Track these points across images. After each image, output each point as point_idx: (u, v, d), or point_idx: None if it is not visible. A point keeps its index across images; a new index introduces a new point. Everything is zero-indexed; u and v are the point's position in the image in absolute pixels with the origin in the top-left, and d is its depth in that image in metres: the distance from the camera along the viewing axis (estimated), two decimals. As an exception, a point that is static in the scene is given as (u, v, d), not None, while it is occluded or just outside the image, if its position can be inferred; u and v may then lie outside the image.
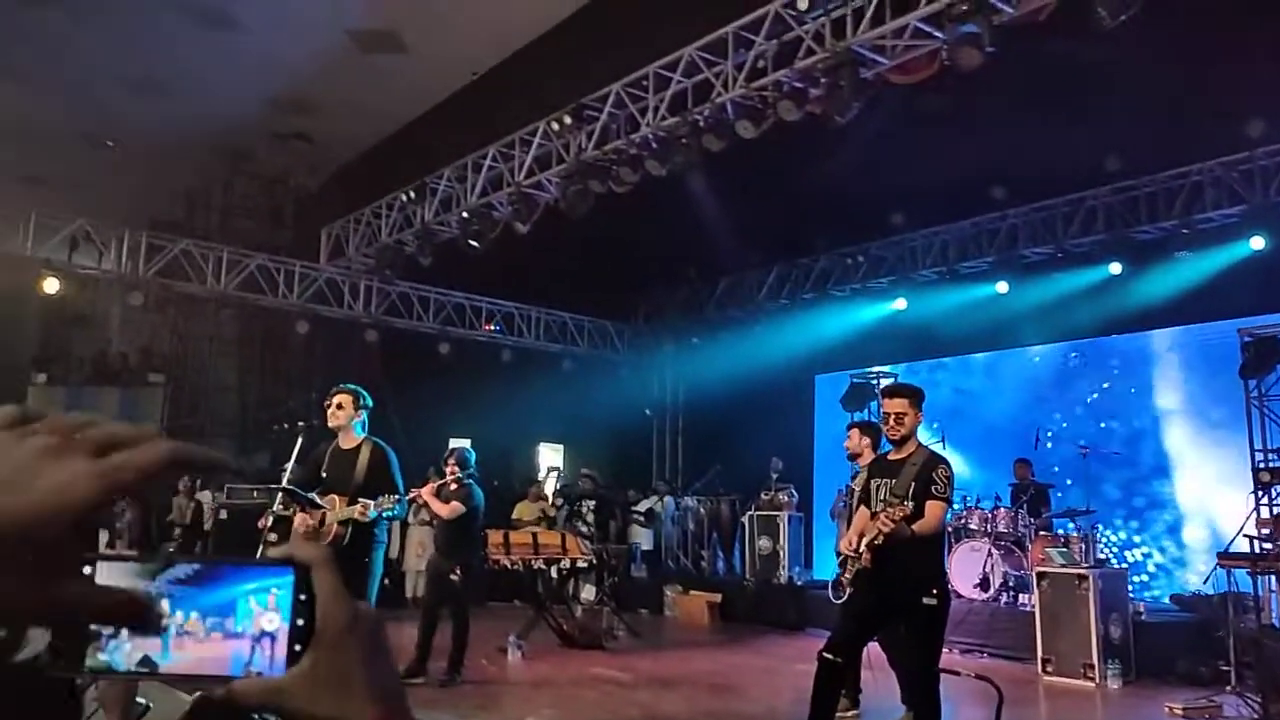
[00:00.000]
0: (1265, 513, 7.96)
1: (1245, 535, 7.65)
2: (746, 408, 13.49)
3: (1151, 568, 11.10)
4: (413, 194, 11.42)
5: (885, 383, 12.20)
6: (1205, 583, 8.68)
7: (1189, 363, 11.04)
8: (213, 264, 12.51)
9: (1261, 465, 8.19)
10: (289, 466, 6.42)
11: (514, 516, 11.58)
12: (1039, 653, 8.30)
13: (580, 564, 9.88)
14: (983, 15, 6.90)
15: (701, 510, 13.54)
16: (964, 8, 6.91)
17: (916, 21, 7.26)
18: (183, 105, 12.60)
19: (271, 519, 6.23)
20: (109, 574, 0.70)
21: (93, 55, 11.45)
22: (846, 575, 5.20)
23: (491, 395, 13.54)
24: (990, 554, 9.58)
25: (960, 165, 9.55)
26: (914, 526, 4.68)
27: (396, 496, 5.73)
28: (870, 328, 13.41)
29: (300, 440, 6.24)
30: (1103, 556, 10.16)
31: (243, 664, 0.70)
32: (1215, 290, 10.18)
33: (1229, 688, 7.16)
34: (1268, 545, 7.43)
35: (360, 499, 5.73)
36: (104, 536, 11.65)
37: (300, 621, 0.70)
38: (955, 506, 8.70)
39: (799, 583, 11.62)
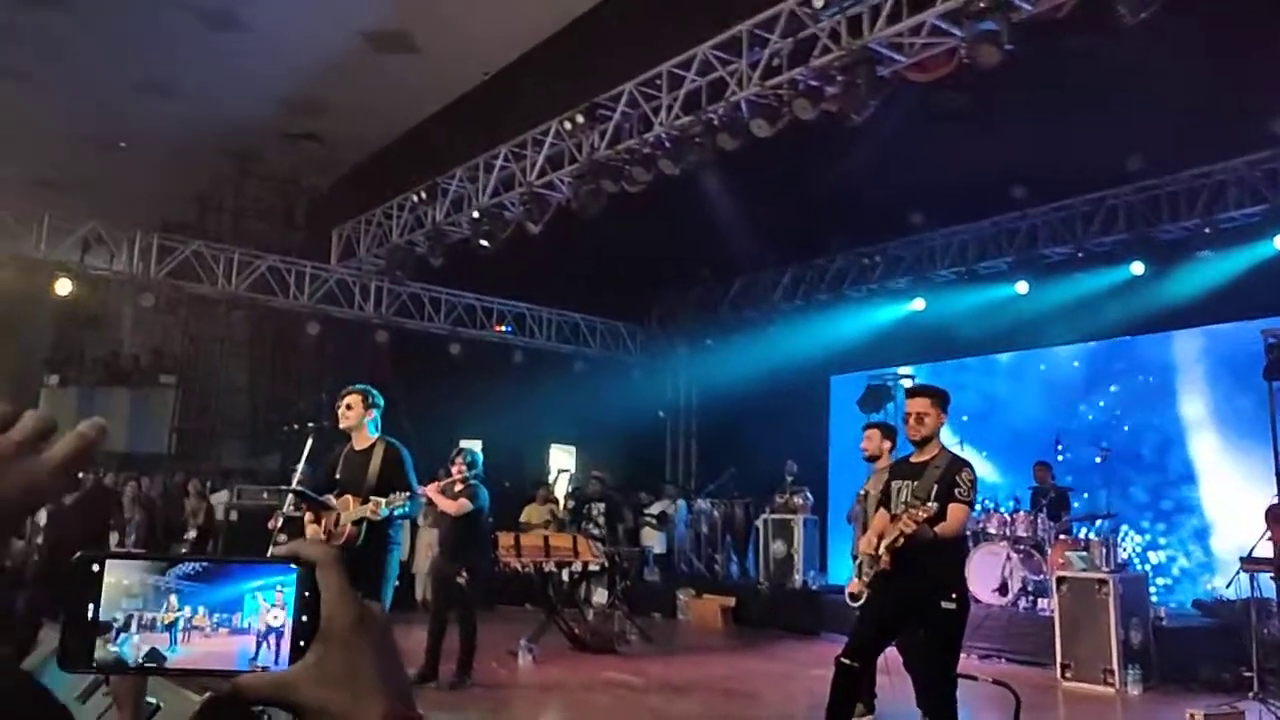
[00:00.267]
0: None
1: (1269, 539, 7.52)
2: (761, 410, 13.38)
3: (1176, 571, 10.94)
4: (424, 194, 11.39)
5: (906, 384, 12.11)
6: (1228, 587, 8.54)
7: (1212, 364, 10.89)
8: (224, 265, 12.52)
9: (1285, 469, 8.06)
10: (299, 468, 6.39)
11: (522, 519, 11.51)
12: (1058, 658, 8.19)
13: (592, 567, 9.82)
14: (1001, 12, 6.80)
15: (715, 513, 13.44)
16: (982, 4, 6.80)
17: (934, 19, 7.16)
18: (194, 107, 12.62)
19: (281, 520, 6.22)
20: (118, 572, 0.73)
21: (104, 58, 11.48)
22: (865, 576, 5.13)
23: (503, 397, 13.49)
24: (1009, 558, 9.47)
25: (979, 164, 9.46)
26: (935, 529, 4.59)
27: (407, 495, 5.66)
28: (887, 329, 13.29)
29: (310, 441, 6.21)
30: (1124, 559, 10.01)
31: (249, 659, 0.72)
32: (1239, 291, 10.05)
33: (1252, 694, 7.03)
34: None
35: (372, 498, 5.68)
36: (114, 538, 11.65)
37: (304, 618, 0.72)
38: (974, 511, 8.59)
39: (814, 587, 11.50)
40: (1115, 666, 7.81)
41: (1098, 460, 10.26)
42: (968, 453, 9.20)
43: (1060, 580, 8.39)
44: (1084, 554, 8.71)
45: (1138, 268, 10.85)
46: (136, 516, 11.50)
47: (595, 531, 11.45)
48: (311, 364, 15.00)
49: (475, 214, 10.81)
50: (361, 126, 13.13)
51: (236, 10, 10.59)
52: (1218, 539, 10.55)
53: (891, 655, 5.78)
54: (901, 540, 4.64)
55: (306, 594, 0.73)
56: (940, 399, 4.97)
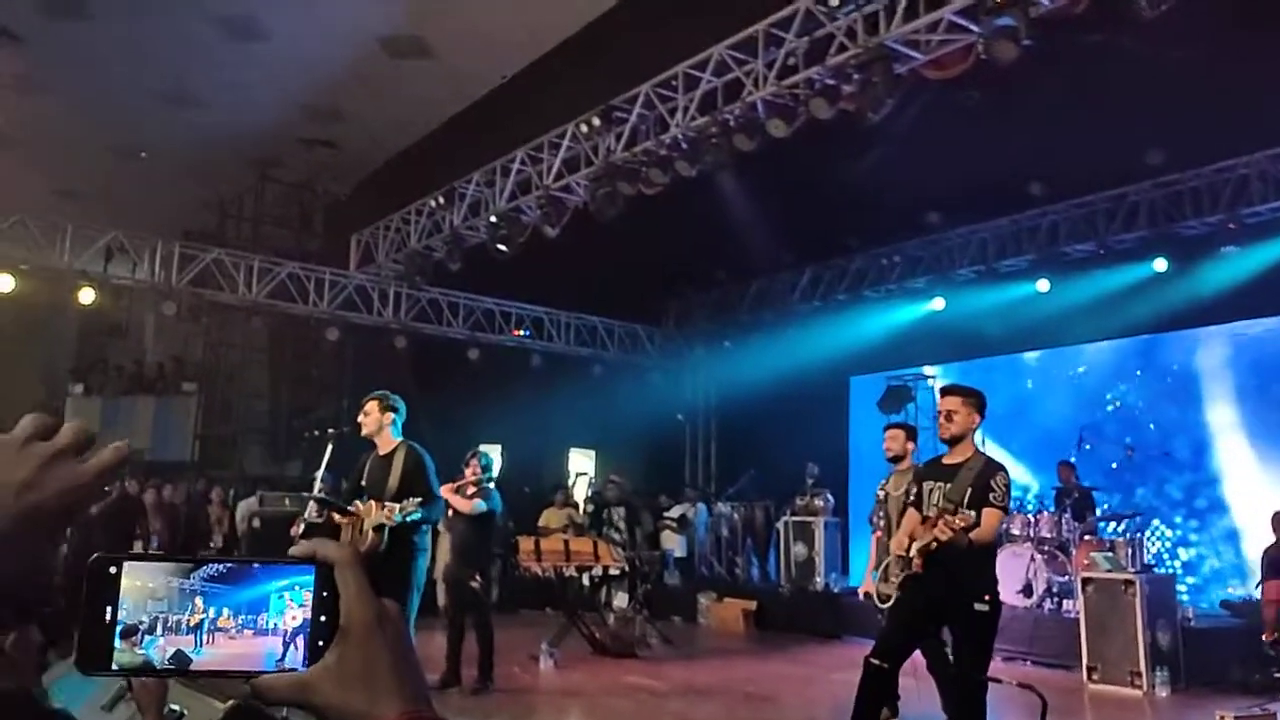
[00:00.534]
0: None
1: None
2: (780, 411, 13.31)
3: (1207, 570, 10.80)
4: (441, 199, 11.41)
5: (932, 384, 12.05)
6: (1256, 587, 8.42)
7: (1238, 361, 10.75)
8: (244, 273, 12.59)
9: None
10: (320, 474, 6.41)
11: (540, 523, 11.52)
12: (1084, 660, 8.11)
13: (612, 571, 9.80)
14: (1019, 8, 6.74)
15: (735, 516, 13.39)
16: (999, 0, 6.75)
17: (951, 15, 7.12)
18: (213, 116, 12.71)
19: (304, 527, 6.24)
20: (141, 575, 0.73)
21: (125, 68, 11.57)
22: (894, 578, 5.10)
23: (522, 401, 13.49)
24: (1033, 559, 9.40)
25: (998, 161, 9.38)
26: (971, 535, 4.56)
27: (419, 500, 5.66)
28: (907, 329, 13.20)
29: (330, 447, 6.23)
30: (1151, 560, 9.90)
31: (275, 660, 0.73)
32: (1264, 286, 9.92)
33: (1284, 696, 6.92)
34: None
35: (388, 505, 5.70)
36: (138, 547, 11.73)
37: (323, 618, 0.73)
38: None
39: (835, 589, 11.44)
40: (1143, 668, 7.73)
41: (1126, 455, 10.16)
42: (992, 451, 9.12)
43: (1086, 581, 8.31)
44: (1109, 554, 8.60)
45: (1160, 264, 10.73)
46: (158, 524, 11.58)
47: (615, 536, 11.43)
48: (331, 370, 15.08)
49: (492, 218, 10.82)
50: (379, 132, 13.18)
51: (256, 19, 10.66)
52: (1248, 540, 10.41)
53: (917, 657, 5.75)
54: (935, 545, 4.62)
55: (325, 594, 0.73)
56: (972, 399, 4.92)
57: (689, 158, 8.89)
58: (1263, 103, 8.47)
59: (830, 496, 12.04)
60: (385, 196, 13.10)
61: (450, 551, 7.61)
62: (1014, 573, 9.32)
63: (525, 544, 9.53)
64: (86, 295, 11.73)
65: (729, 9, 8.64)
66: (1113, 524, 9.87)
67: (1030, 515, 9.89)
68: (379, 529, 5.65)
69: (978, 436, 5.09)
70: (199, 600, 0.73)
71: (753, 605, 11.64)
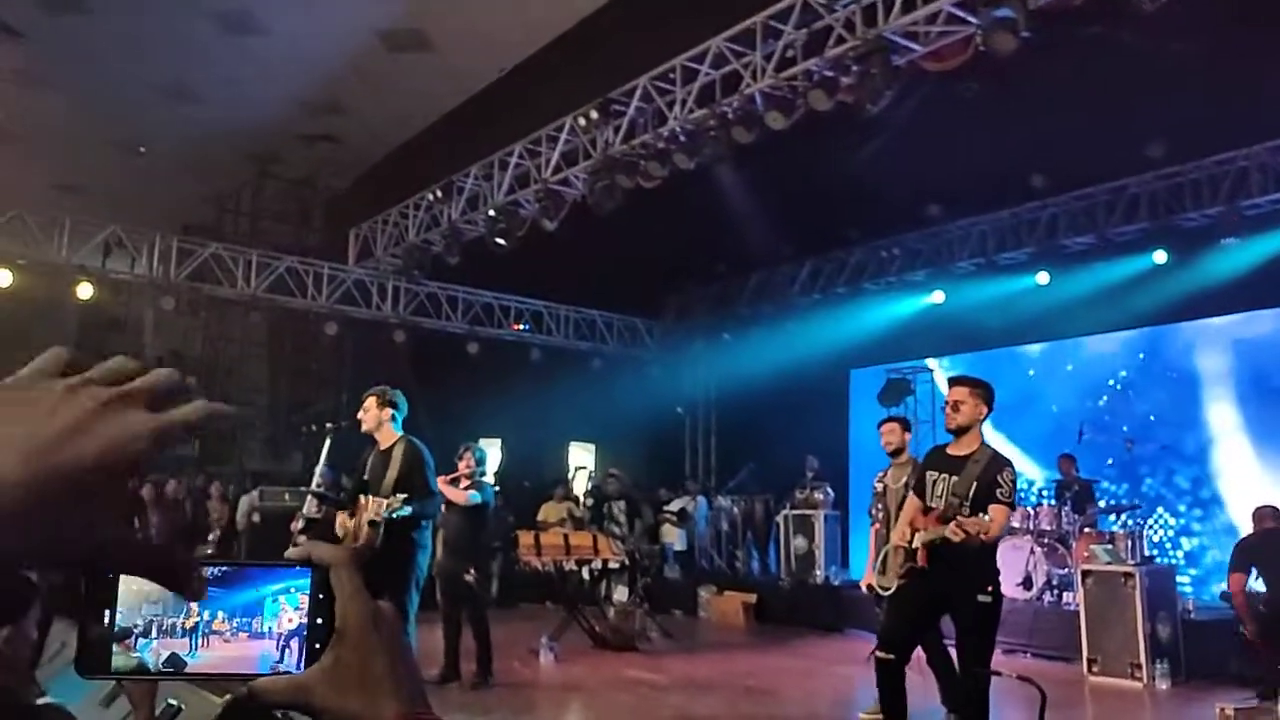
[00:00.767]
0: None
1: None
2: (780, 405, 13.30)
3: (1209, 561, 10.80)
4: (439, 193, 11.40)
5: (938, 376, 12.04)
6: (1257, 579, 8.42)
7: (1238, 353, 10.74)
8: (243, 267, 12.58)
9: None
10: (319, 469, 6.42)
11: (539, 517, 11.52)
12: (1084, 652, 8.12)
13: (612, 565, 9.81)
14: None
15: (735, 509, 13.38)
16: (998, -9, 6.73)
17: (949, 6, 7.11)
18: (212, 110, 12.71)
19: (303, 522, 6.24)
20: (136, 577, 0.72)
21: (124, 63, 11.56)
22: (898, 569, 5.11)
23: (521, 395, 13.49)
24: (1033, 552, 9.40)
25: (997, 154, 9.36)
26: (971, 529, 4.56)
27: (405, 496, 5.65)
28: (906, 321, 13.18)
29: (329, 442, 6.24)
30: (1150, 553, 9.90)
31: (271, 663, 0.72)
32: (1265, 278, 9.90)
33: (1284, 688, 6.91)
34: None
35: (376, 500, 5.70)
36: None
37: (319, 620, 0.72)
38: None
39: (835, 582, 11.45)
40: (1143, 661, 7.74)
41: (1126, 447, 10.17)
42: (994, 442, 9.11)
43: (1086, 574, 8.30)
44: (1109, 547, 8.61)
45: (1160, 256, 10.71)
46: (157, 520, 11.59)
47: (615, 529, 11.43)
48: (330, 364, 15.07)
49: (491, 212, 10.80)
50: (377, 127, 13.17)
51: (254, 13, 10.64)
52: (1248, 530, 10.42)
53: (916, 652, 5.75)
54: (940, 541, 4.64)
55: (321, 596, 0.73)
56: (980, 389, 4.93)
57: (687, 150, 8.88)
58: (1262, 95, 8.44)
59: (830, 490, 12.03)
60: (384, 191, 13.09)
61: (443, 546, 7.63)
62: (1014, 565, 9.31)
63: (525, 538, 9.53)
64: (85, 290, 11.71)
65: (726, 2, 8.61)
66: (1113, 516, 9.87)
67: (1030, 508, 9.89)
68: (374, 525, 5.65)
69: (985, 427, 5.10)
70: (193, 604, 0.72)
71: (753, 598, 11.64)
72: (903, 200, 11.25)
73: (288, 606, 0.73)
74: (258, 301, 12.84)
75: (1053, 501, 10.09)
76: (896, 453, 6.67)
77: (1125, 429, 10.56)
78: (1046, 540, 9.56)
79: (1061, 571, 9.33)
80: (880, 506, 6.68)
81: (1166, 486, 11.09)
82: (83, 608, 0.72)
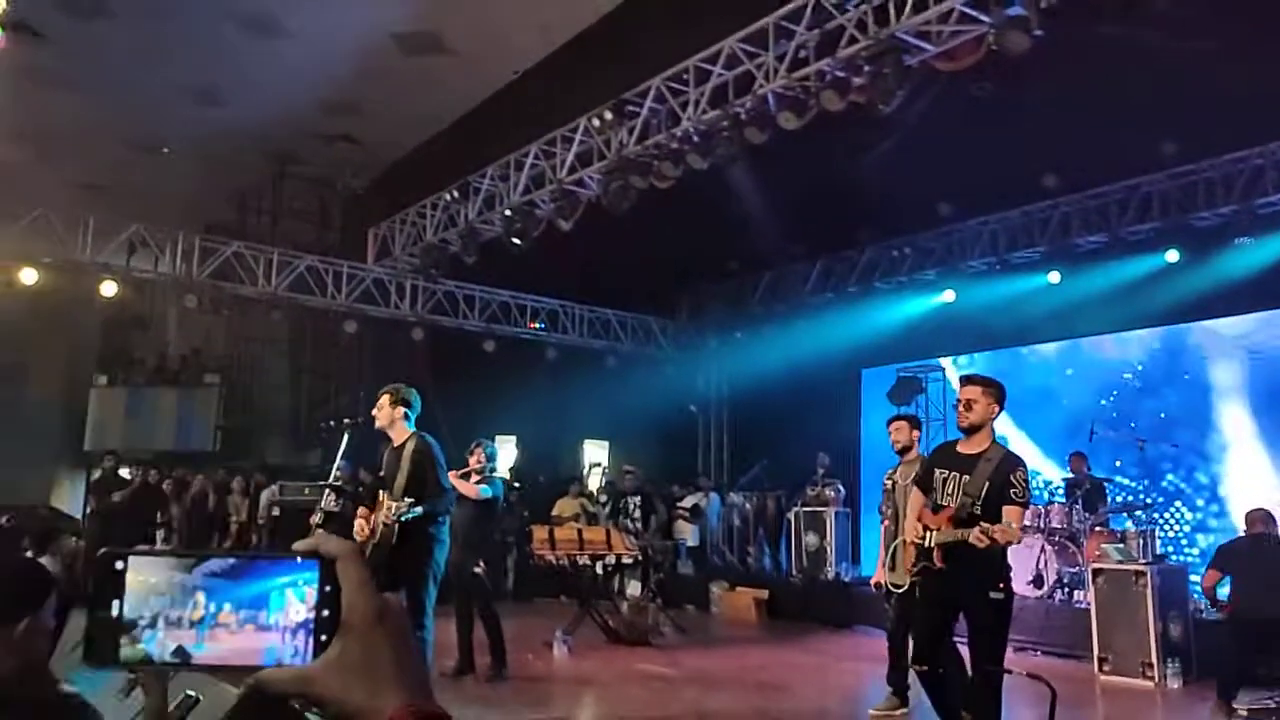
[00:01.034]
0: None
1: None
2: (792, 403, 13.36)
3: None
4: (456, 193, 11.48)
5: (950, 376, 12.03)
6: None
7: (1251, 352, 10.71)
8: (263, 266, 12.70)
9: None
10: (337, 464, 6.53)
11: (554, 513, 11.62)
12: (1095, 651, 8.09)
13: (626, 560, 9.87)
14: (1030, -3, 6.74)
15: (747, 506, 13.44)
16: (1009, -10, 6.75)
17: (961, 5, 7.09)
18: (234, 111, 12.83)
19: (321, 515, 6.34)
20: (145, 569, 0.73)
21: (146, 65, 11.68)
22: (904, 564, 5.12)
23: (537, 393, 13.59)
24: (1043, 550, 9.38)
25: (1008, 153, 9.30)
26: (1000, 539, 4.58)
27: (411, 501, 5.72)
28: (918, 321, 13.20)
29: (347, 437, 6.33)
30: (1166, 549, 9.89)
31: (276, 655, 0.73)
32: (1278, 277, 9.85)
33: (1296, 687, 6.92)
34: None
35: (389, 502, 5.79)
36: (160, 535, 11.92)
37: (326, 612, 0.73)
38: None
39: (846, 579, 11.49)
40: (1154, 660, 7.70)
41: (1138, 446, 10.17)
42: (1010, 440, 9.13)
43: (1097, 572, 8.27)
44: (1120, 545, 8.60)
45: (1173, 256, 10.68)
46: (178, 514, 11.76)
47: (630, 525, 11.52)
48: (350, 362, 15.21)
49: (507, 212, 10.89)
50: (396, 127, 13.27)
51: (276, 16, 10.77)
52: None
53: None
54: (953, 540, 4.67)
55: (328, 589, 0.74)
56: (992, 388, 4.94)
57: (700, 150, 8.90)
58: (1277, 93, 8.42)
59: (841, 487, 12.07)
60: (402, 191, 13.18)
61: (453, 539, 7.75)
62: (1025, 563, 9.31)
63: (539, 533, 9.62)
64: (109, 288, 11.86)
65: (739, 2, 8.66)
66: (1125, 514, 9.86)
67: (1041, 506, 9.88)
68: (387, 525, 5.73)
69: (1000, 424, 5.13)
70: (201, 595, 0.73)
71: (764, 594, 11.69)
72: (914, 199, 11.25)
73: (294, 599, 0.73)
74: (279, 300, 12.97)
75: (1064, 499, 10.08)
76: (905, 450, 6.70)
77: (1135, 426, 10.55)
78: (1058, 538, 9.53)
79: (1072, 569, 9.30)
80: (890, 504, 6.70)
81: (1180, 484, 11.06)
82: (91, 598, 0.73)
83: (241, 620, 0.73)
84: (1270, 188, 9.81)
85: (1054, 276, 11.56)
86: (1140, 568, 8.09)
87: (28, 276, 11.29)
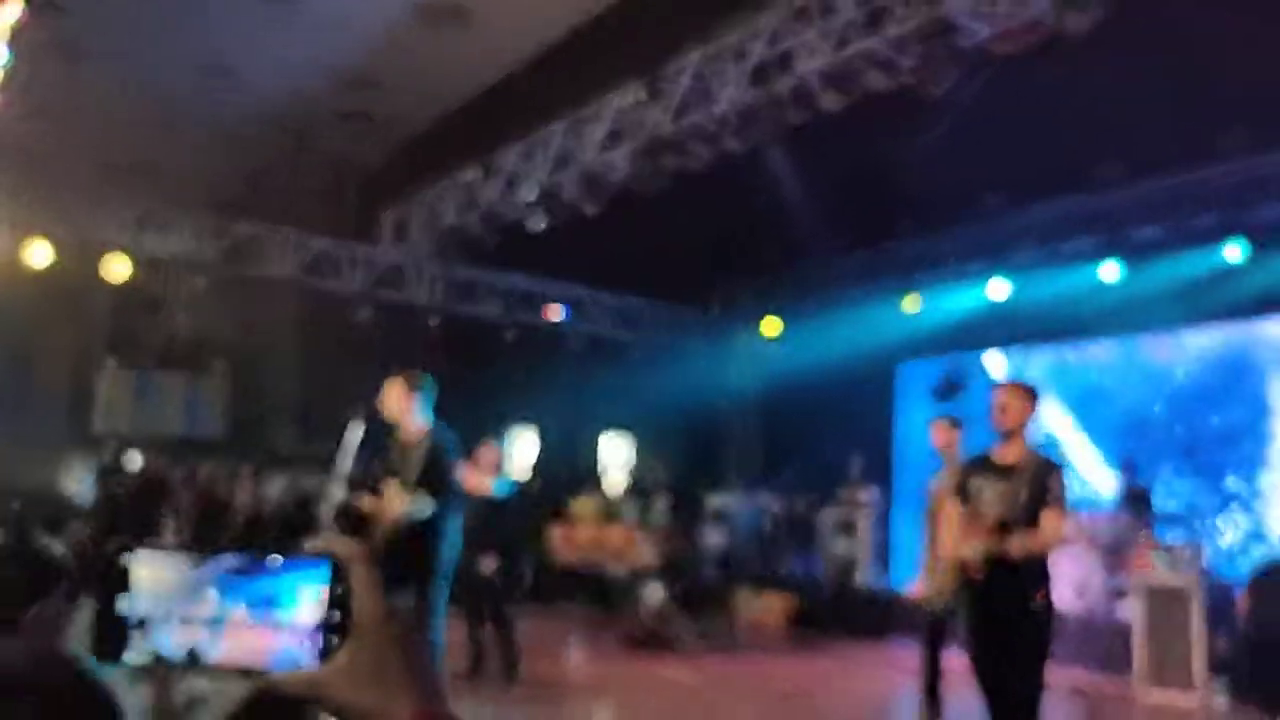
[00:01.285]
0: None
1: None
2: (825, 400, 12.90)
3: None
4: (477, 174, 11.17)
5: (995, 373, 11.73)
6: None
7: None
8: (276, 248, 12.45)
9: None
10: (348, 452, 6.28)
11: (572, 511, 11.29)
12: (1138, 667, 7.81)
13: (647, 563, 9.55)
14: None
15: (776, 509, 13.05)
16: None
17: (1017, -17, 6.69)
18: (248, 88, 12.71)
19: (331, 505, 6.23)
20: (155, 565, 0.75)
21: (161, 41, 11.54)
22: (949, 584, 5.01)
23: (558, 383, 13.27)
24: (1088, 560, 9.05)
25: (1061, 139, 8.96)
26: (1042, 546, 4.53)
27: (427, 498, 5.52)
28: (960, 314, 12.67)
29: (359, 425, 6.08)
30: (1216, 560, 9.47)
31: (288, 656, 0.75)
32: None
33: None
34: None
35: (401, 498, 5.59)
36: (169, 524, 11.72)
37: (336, 614, 0.75)
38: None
39: (878, 587, 11.12)
40: (1199, 677, 7.46)
41: (1188, 449, 9.79)
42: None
43: (1142, 584, 8.03)
44: (1167, 556, 8.23)
45: (1234, 250, 10.16)
46: (185, 502, 11.58)
47: (656, 522, 11.20)
48: (363, 348, 14.92)
49: (531, 194, 10.54)
50: (414, 103, 13.06)
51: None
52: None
53: (957, 665, 5.59)
54: (992, 553, 4.51)
55: (339, 590, 0.74)
56: (1024, 391, 4.88)
57: (737, 132, 8.57)
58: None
59: (875, 490, 11.71)
60: (420, 170, 12.90)
61: (463, 539, 7.54)
62: (1068, 574, 8.94)
63: (558, 533, 9.33)
64: (121, 268, 11.66)
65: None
66: (1172, 525, 9.47)
67: (1085, 515, 9.50)
68: (396, 521, 5.53)
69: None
70: (212, 593, 0.73)
71: (793, 601, 11.35)
72: (960, 187, 10.80)
73: (306, 599, 0.74)
74: (291, 283, 12.73)
75: (1110, 508, 9.70)
76: (947, 449, 6.53)
77: (1185, 429, 10.10)
78: (1102, 549, 9.19)
79: (1116, 581, 8.98)
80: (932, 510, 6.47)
81: (1234, 492, 10.57)
82: (99, 594, 0.73)
83: (253, 619, 0.74)
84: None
85: (1107, 270, 10.99)
86: (1187, 581, 7.82)
87: (39, 255, 11.06)
